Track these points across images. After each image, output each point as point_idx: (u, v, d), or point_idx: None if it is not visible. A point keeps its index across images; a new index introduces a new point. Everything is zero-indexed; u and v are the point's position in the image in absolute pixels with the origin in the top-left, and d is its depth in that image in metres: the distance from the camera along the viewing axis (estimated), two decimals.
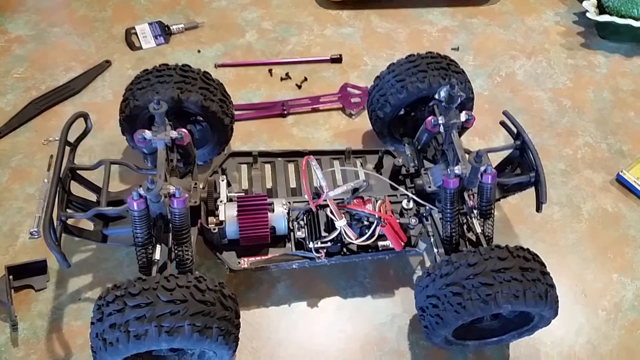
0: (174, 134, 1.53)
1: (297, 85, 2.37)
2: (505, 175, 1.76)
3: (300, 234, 1.61)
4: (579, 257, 1.87)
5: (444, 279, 1.39)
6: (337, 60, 2.45)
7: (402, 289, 1.75)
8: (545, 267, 1.42)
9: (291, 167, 1.87)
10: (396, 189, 1.80)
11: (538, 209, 1.62)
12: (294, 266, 1.64)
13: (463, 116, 1.63)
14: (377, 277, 1.77)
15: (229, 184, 1.76)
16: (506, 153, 1.76)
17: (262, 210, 1.57)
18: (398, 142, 2.01)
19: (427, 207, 1.65)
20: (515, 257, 1.38)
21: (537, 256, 1.44)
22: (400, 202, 1.67)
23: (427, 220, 1.70)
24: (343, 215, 1.56)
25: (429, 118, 1.65)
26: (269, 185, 1.81)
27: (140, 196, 1.37)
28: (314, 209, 1.61)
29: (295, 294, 1.72)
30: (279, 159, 1.87)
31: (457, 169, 1.50)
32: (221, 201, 1.62)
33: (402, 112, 1.90)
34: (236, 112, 2.23)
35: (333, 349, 1.62)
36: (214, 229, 1.55)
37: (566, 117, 2.29)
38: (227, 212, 1.59)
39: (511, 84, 2.41)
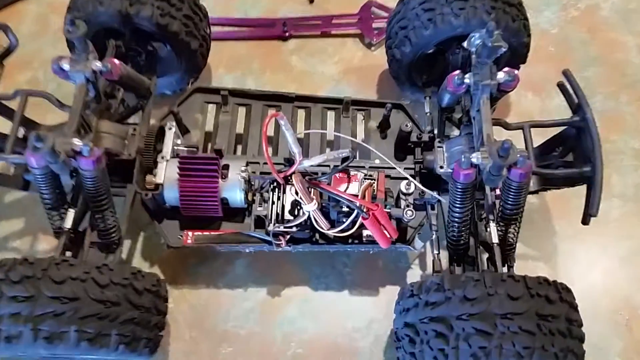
0: (97, 65, 1.16)
1: None
2: (551, 160, 1.30)
3: (260, 209, 1.26)
4: (634, 273, 1.44)
5: (430, 309, 1.03)
6: None
7: (389, 288, 1.40)
8: (575, 312, 1.03)
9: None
10: (402, 159, 1.39)
11: (585, 220, 1.19)
12: (247, 250, 1.31)
13: (501, 76, 1.15)
14: (360, 268, 1.43)
15: (185, 131, 1.41)
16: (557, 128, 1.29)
17: (210, 176, 1.22)
18: (420, 91, 1.56)
19: (433, 195, 1.24)
20: (534, 297, 0.99)
21: (568, 292, 1.05)
22: (402, 179, 1.27)
23: (432, 208, 1.30)
24: (314, 198, 1.18)
25: (454, 74, 1.18)
26: (239, 134, 1.44)
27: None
28: (281, 182, 1.24)
29: (254, 277, 1.41)
30: (257, 101, 1.47)
31: (475, 157, 1.07)
32: (163, 157, 1.27)
33: (430, 51, 1.42)
34: (225, 29, 1.81)
35: (288, 355, 1.33)
36: (146, 194, 1.22)
37: None
38: (167, 173, 1.25)
39: (591, 21, 1.82)
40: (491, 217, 1.20)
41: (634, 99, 1.67)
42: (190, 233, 1.29)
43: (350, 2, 1.86)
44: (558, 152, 1.30)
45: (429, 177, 1.32)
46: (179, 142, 1.35)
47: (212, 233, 1.30)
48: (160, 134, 1.32)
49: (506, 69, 1.17)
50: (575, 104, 1.23)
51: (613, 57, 1.75)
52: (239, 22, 1.83)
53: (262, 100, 1.47)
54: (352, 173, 1.24)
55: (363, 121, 1.47)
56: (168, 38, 1.40)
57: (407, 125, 1.33)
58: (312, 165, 1.23)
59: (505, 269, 1.17)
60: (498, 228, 1.19)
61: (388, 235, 1.20)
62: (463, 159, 1.06)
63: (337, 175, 1.24)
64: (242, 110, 1.48)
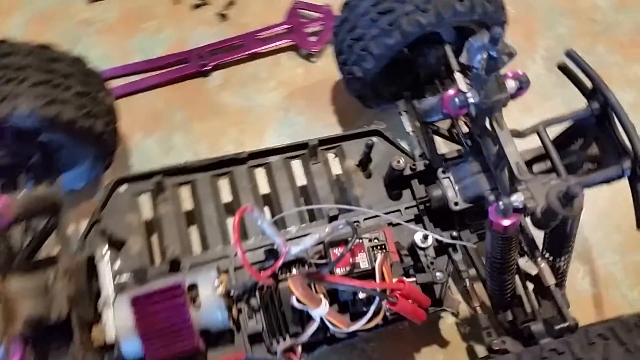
0: None
1: (219, 14, 1.56)
2: (572, 156, 1.10)
3: (253, 324, 0.99)
4: None
5: None
6: None
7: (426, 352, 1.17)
8: None
9: (224, 184, 1.17)
10: (398, 197, 1.14)
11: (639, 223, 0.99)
12: None
13: (512, 85, 0.91)
14: (386, 340, 1.18)
15: (119, 245, 1.08)
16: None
17: (178, 312, 0.92)
18: (389, 101, 1.30)
19: (460, 243, 1.01)
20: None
21: None
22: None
23: (455, 251, 1.07)
24: (321, 298, 0.91)
25: (450, 94, 0.93)
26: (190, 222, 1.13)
27: None
28: (269, 284, 0.96)
29: None
30: (202, 174, 1.16)
31: (517, 201, 0.83)
32: (104, 302, 0.95)
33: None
34: (131, 79, 1.46)
35: None
36: None
37: (629, 13, 1.55)
38: (118, 321, 0.93)
39: None
40: (537, 253, 0.98)
41: (614, 47, 1.50)
42: None
43: (270, 10, 1.56)
44: (578, 146, 1.09)
45: (440, 213, 1.08)
46: (116, 266, 1.03)
47: None
48: (91, 266, 0.99)
49: (510, 72, 0.93)
50: (590, 88, 1.02)
51: (578, 6, 1.56)
52: (144, 67, 1.48)
53: (207, 171, 1.16)
54: (354, 241, 0.97)
55: (337, 161, 1.20)
56: (63, 130, 1.05)
57: (398, 162, 1.08)
58: (302, 250, 0.95)
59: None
60: (548, 261, 0.97)
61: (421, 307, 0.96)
62: (501, 206, 0.82)
63: (334, 251, 0.97)
64: (185, 191, 1.16)
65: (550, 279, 0.95)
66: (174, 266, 1.05)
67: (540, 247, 0.99)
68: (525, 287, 1.02)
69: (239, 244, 0.86)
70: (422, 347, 1.19)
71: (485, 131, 0.98)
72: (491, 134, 0.95)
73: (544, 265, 0.96)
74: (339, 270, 0.96)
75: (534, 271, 1.02)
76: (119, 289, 0.98)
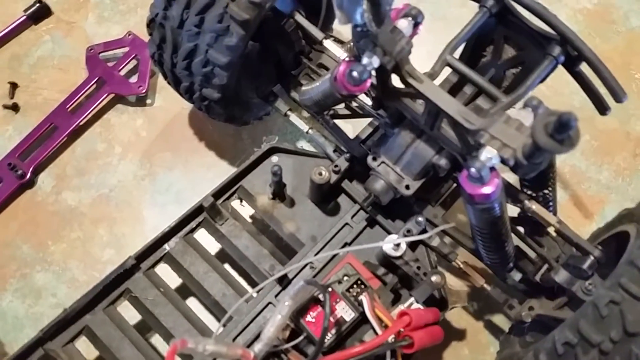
0: None
1: (6, 107, 1.22)
2: (491, 68, 0.96)
3: None
4: None
5: None
6: (39, 15, 1.30)
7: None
8: None
9: (126, 306, 0.90)
10: (336, 210, 0.94)
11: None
12: None
13: (405, 24, 0.73)
14: None
15: None
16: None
17: None
18: (263, 106, 1.09)
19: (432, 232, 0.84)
20: None
21: None
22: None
23: (430, 237, 0.90)
24: None
25: (341, 70, 0.73)
26: None
27: None
28: None
29: None
30: (90, 316, 0.87)
31: (489, 155, 0.66)
32: None
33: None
34: None
35: None
36: None
37: None
38: None
39: None
40: (521, 196, 0.84)
41: None
42: None
43: (64, 74, 1.26)
44: (489, 55, 0.96)
45: (391, 205, 0.90)
46: None
47: None
48: None
49: (393, 11, 0.75)
50: None
51: None
52: None
53: (96, 306, 0.87)
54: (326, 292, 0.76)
55: (246, 205, 0.97)
56: None
57: (320, 174, 0.87)
58: (268, 344, 0.73)
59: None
60: (537, 199, 0.84)
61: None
62: (475, 173, 0.65)
63: (307, 319, 0.76)
64: (82, 343, 0.87)
65: (550, 218, 0.81)
66: None
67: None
68: (519, 235, 0.88)
69: None
70: (441, 348, 1.02)
71: (399, 93, 0.79)
72: (409, 92, 0.76)
73: (535, 206, 0.82)
74: (327, 340, 0.75)
75: (517, 211, 0.89)
76: None
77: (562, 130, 0.56)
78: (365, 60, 0.71)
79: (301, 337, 0.77)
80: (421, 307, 0.79)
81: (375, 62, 0.71)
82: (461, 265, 0.90)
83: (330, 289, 0.78)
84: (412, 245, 0.88)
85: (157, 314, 0.88)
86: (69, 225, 1.12)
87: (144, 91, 1.21)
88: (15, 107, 1.22)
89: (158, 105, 1.23)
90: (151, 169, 1.17)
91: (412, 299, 0.79)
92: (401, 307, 0.77)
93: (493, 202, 0.69)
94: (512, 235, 0.85)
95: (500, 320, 1.03)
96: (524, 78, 0.85)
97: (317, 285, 0.72)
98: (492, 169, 0.67)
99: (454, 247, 0.93)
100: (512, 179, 0.86)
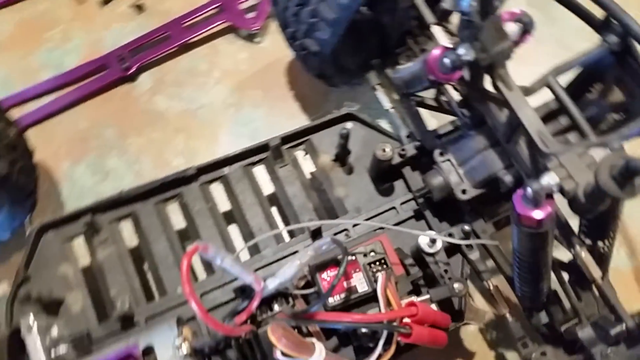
0: None
1: (134, 6, 1.34)
2: (591, 106, 0.92)
3: None
4: None
5: None
6: None
7: None
8: None
9: (174, 209, 0.97)
10: (389, 192, 0.96)
11: None
12: None
13: (514, 29, 0.73)
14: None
15: (53, 308, 0.87)
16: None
17: None
18: (357, 75, 1.11)
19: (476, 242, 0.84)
20: None
21: None
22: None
23: (470, 248, 0.89)
24: (314, 344, 0.72)
25: (436, 54, 0.74)
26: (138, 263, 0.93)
27: None
28: (243, 336, 0.78)
29: None
30: (143, 202, 0.95)
31: (550, 182, 0.65)
32: None
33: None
34: (42, 101, 1.24)
35: None
36: None
37: None
38: None
39: None
40: (574, 240, 0.81)
41: None
42: None
43: None
44: (596, 93, 0.92)
45: (444, 204, 0.90)
46: (54, 334, 0.82)
47: None
48: (17, 340, 0.79)
49: (506, 13, 0.74)
50: (601, 18, 0.84)
51: None
52: (55, 83, 1.25)
53: (149, 198, 0.96)
54: (347, 259, 0.78)
55: (309, 158, 1.01)
56: None
57: (384, 151, 0.89)
58: (281, 283, 0.77)
59: None
60: (590, 248, 0.80)
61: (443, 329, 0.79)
62: (530, 194, 0.64)
63: (323, 276, 0.79)
64: (127, 226, 0.96)
65: (595, 271, 0.78)
66: (126, 322, 0.87)
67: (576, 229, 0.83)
68: (561, 280, 0.85)
69: (195, 298, 0.67)
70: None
71: (486, 95, 0.79)
72: (496, 97, 0.76)
73: (584, 254, 0.79)
74: (332, 300, 0.77)
75: (567, 257, 0.86)
76: None
77: (627, 175, 0.54)
78: (461, 50, 0.71)
79: (312, 290, 0.80)
80: (434, 307, 0.80)
81: (471, 54, 0.71)
82: (491, 287, 0.89)
83: (353, 257, 0.80)
84: (449, 251, 0.88)
85: (197, 224, 0.95)
86: (152, 125, 1.22)
87: (256, 29, 1.28)
88: (140, 8, 1.33)
89: (264, 46, 1.29)
90: (240, 100, 1.24)
91: (427, 296, 0.80)
92: (414, 299, 0.78)
93: (540, 229, 0.68)
94: (553, 278, 0.83)
95: (512, 356, 1.00)
96: (623, 126, 0.82)
97: (341, 245, 0.75)
98: (550, 196, 0.66)
99: (492, 273, 0.91)
100: (573, 223, 0.83)
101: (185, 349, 0.76)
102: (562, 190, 0.64)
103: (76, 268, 0.92)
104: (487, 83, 0.78)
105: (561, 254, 0.86)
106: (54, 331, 0.82)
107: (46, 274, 0.90)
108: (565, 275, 0.87)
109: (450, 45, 0.74)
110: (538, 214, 0.65)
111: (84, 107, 1.24)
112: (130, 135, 1.21)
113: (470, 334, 1.02)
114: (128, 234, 0.96)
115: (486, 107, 0.80)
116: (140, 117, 1.23)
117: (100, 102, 1.24)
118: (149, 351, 0.76)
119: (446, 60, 0.73)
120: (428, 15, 0.93)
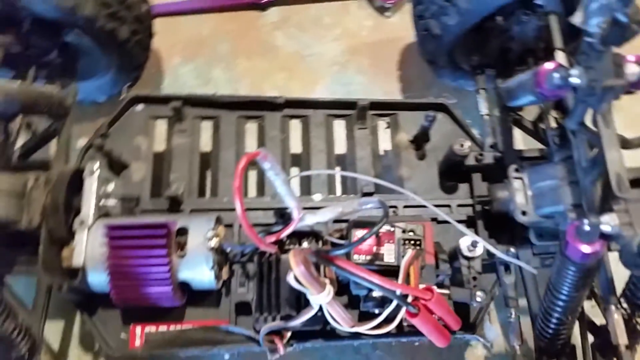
0: None
1: None
2: None
3: (243, 291, 0.85)
4: None
5: None
6: None
7: None
8: None
9: (252, 128, 1.03)
10: (452, 190, 0.96)
11: None
12: (227, 357, 0.90)
13: (634, 71, 0.71)
14: (397, 350, 1.02)
15: (120, 167, 0.97)
16: None
17: (156, 254, 0.79)
18: (465, 76, 1.12)
19: (516, 262, 0.83)
20: None
21: None
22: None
23: (506, 269, 0.88)
24: (326, 283, 0.76)
25: (548, 68, 0.74)
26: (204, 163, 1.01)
27: None
28: (271, 252, 0.82)
29: None
30: (228, 112, 1.02)
31: (609, 222, 0.64)
32: (82, 222, 0.83)
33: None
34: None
35: None
36: (60, 288, 0.80)
37: None
38: (90, 248, 0.82)
39: None
40: (612, 299, 0.78)
41: None
42: (138, 329, 0.87)
43: None
44: None
45: (499, 221, 0.90)
46: (109, 188, 0.90)
47: (172, 328, 0.87)
48: (77, 180, 0.88)
49: (634, 55, 0.73)
50: None
51: None
52: None
53: (235, 110, 1.02)
54: (384, 229, 0.81)
55: (388, 132, 1.03)
56: (81, 27, 0.94)
57: (462, 146, 0.89)
58: (318, 222, 0.81)
59: None
60: (624, 314, 0.77)
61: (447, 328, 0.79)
62: (585, 227, 0.63)
63: (358, 233, 0.81)
64: (206, 126, 1.03)
65: (621, 337, 0.75)
66: (174, 205, 0.94)
67: (619, 292, 0.80)
68: (584, 338, 0.83)
69: (240, 194, 0.72)
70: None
71: (582, 127, 0.78)
72: (590, 131, 0.75)
73: (617, 317, 0.76)
74: (357, 257, 0.80)
75: (599, 321, 0.83)
76: (103, 212, 0.86)
77: None
78: (574, 71, 0.71)
79: (343, 242, 0.83)
80: (450, 305, 0.80)
81: (581, 79, 0.70)
82: (513, 316, 0.87)
83: (392, 229, 0.82)
84: (485, 267, 0.88)
85: (268, 147, 1.00)
86: (263, 55, 1.29)
87: (391, 3, 1.31)
88: None
89: (392, 21, 1.33)
90: (348, 62, 1.29)
91: (447, 292, 0.80)
92: (433, 286, 0.79)
93: (582, 264, 0.67)
94: (576, 333, 0.80)
95: None
96: None
97: (385, 208, 0.77)
98: (604, 236, 0.65)
99: (518, 297, 0.90)
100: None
101: (214, 242, 0.82)
102: (617, 235, 0.63)
103: (150, 143, 1.00)
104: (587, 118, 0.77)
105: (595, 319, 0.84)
106: (110, 187, 0.91)
107: (123, 139, 0.99)
108: (591, 338, 0.85)
109: (566, 64, 0.74)
110: (585, 248, 0.64)
111: (211, 17, 1.33)
112: (240, 56, 1.29)
113: (474, 356, 1.01)
114: (206, 133, 1.03)
115: (578, 139, 0.79)
116: (256, 44, 1.30)
117: (227, 18, 1.33)
118: (183, 232, 0.83)
119: (556, 75, 0.72)
120: (557, 39, 0.93)
